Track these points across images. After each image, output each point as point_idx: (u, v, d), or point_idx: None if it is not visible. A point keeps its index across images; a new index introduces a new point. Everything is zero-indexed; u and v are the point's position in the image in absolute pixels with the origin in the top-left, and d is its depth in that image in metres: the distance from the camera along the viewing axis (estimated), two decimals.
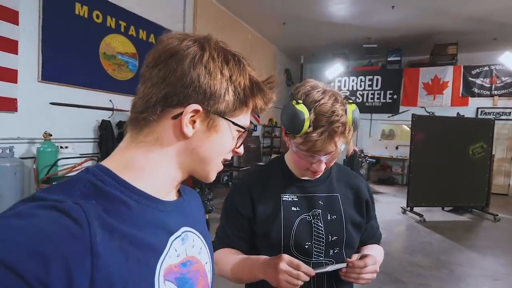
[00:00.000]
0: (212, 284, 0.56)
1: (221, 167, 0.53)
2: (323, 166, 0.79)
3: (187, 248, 0.50)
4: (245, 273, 0.81)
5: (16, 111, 2.90)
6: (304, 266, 0.71)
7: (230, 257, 0.85)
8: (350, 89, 8.73)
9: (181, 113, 0.45)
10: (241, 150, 0.55)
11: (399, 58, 8.08)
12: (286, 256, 0.72)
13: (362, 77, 8.57)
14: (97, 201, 0.40)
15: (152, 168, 0.46)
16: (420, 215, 4.95)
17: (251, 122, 0.56)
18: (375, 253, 0.87)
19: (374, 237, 0.98)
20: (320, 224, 0.84)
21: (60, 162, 3.04)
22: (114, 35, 3.89)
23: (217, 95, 0.46)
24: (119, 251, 0.38)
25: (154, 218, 0.45)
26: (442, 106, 7.68)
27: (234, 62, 0.48)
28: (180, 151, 0.48)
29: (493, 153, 5.52)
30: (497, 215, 5.13)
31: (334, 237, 0.83)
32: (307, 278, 0.71)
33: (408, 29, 6.70)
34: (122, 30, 4.00)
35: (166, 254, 0.44)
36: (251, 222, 0.86)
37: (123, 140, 0.48)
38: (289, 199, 0.86)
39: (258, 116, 7.77)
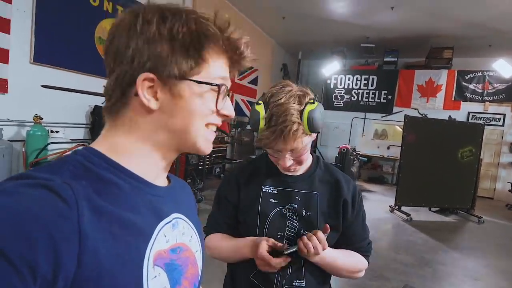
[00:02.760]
0: (201, 272, 0.56)
1: (211, 135, 0.50)
2: (288, 162, 0.83)
3: (177, 234, 0.49)
4: (235, 253, 0.89)
5: (7, 92, 2.84)
6: (274, 262, 0.79)
7: (220, 240, 0.93)
8: (346, 87, 8.77)
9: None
10: (227, 111, 0.50)
11: (396, 59, 8.14)
12: (264, 244, 0.80)
13: (358, 76, 8.61)
14: (87, 182, 0.39)
15: (136, 151, 0.46)
16: (407, 214, 5.05)
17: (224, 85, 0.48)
18: (343, 253, 0.90)
19: (353, 246, 0.93)
20: (294, 218, 0.87)
21: (50, 147, 3.00)
22: (111, 19, 3.82)
23: (163, 58, 0.43)
24: (108, 233, 0.37)
25: (145, 202, 0.45)
26: (435, 108, 7.79)
27: (172, 17, 0.44)
28: (156, 128, 0.46)
29: (481, 157, 5.64)
30: (482, 217, 5.27)
31: (306, 232, 0.85)
32: (276, 269, 0.80)
33: (405, 31, 6.74)
34: (119, 14, 3.92)
35: (155, 239, 0.44)
36: (236, 209, 0.93)
37: (104, 128, 0.48)
38: (269, 191, 0.90)
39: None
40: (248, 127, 7.40)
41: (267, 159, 0.94)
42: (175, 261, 0.47)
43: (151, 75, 0.43)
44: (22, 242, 0.30)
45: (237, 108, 7.04)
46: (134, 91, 0.43)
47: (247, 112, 7.50)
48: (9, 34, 2.79)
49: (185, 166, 4.74)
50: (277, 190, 0.90)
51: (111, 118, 0.46)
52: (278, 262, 0.79)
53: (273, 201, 0.89)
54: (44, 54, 3.10)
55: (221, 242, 0.93)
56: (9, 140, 2.84)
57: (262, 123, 0.79)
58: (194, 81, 0.45)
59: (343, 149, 6.28)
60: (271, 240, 0.82)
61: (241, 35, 0.48)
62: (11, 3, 2.77)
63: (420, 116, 7.45)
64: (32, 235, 0.31)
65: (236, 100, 6.93)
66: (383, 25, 6.49)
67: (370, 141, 8.74)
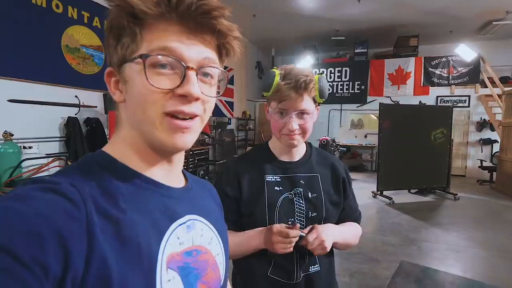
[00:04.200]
0: (225, 277, 0.53)
1: (172, 124, 0.41)
2: (295, 125, 0.85)
3: (193, 236, 0.47)
4: (243, 246, 0.88)
5: None
6: (292, 232, 0.79)
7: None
8: None
9: None
10: (186, 89, 0.40)
11: (366, 50, 8.40)
12: (277, 225, 0.82)
13: (332, 69, 8.81)
14: (95, 184, 0.39)
15: (132, 150, 0.45)
16: (389, 198, 5.25)
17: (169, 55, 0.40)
18: (346, 228, 0.97)
19: (351, 217, 1.02)
20: (301, 202, 0.90)
21: (24, 163, 2.85)
22: (77, 26, 3.67)
23: (110, 48, 0.43)
24: (116, 235, 0.37)
25: (156, 203, 0.44)
26: (406, 95, 8.12)
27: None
28: (129, 123, 0.45)
29: (452, 138, 5.95)
30: (457, 194, 5.57)
31: (314, 213, 0.90)
32: (297, 235, 0.80)
33: (373, 22, 6.97)
34: (85, 21, 3.78)
35: (167, 241, 0.42)
36: (238, 203, 0.92)
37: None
38: (272, 179, 0.91)
39: (232, 110, 7.74)
40: (229, 126, 7.40)
41: (266, 150, 0.98)
42: (189, 264, 0.45)
43: (110, 69, 0.44)
44: (32, 243, 0.30)
45: (216, 109, 6.99)
46: None
47: (226, 113, 7.47)
48: None
49: None
50: (280, 178, 0.92)
51: (117, 120, 0.47)
52: (295, 232, 0.79)
53: (278, 188, 0.91)
54: (7, 67, 2.93)
55: (229, 237, 0.92)
56: None
57: (277, 78, 0.86)
58: (128, 60, 0.41)
59: (324, 141, 6.42)
60: (283, 224, 0.83)
61: None
62: None
63: (393, 103, 7.77)
64: (41, 235, 0.31)
65: None
66: (351, 17, 6.68)
67: (347, 131, 8.99)
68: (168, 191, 0.47)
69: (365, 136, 8.79)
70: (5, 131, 2.79)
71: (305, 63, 7.83)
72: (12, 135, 2.83)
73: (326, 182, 0.95)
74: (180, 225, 0.46)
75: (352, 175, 7.73)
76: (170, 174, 0.49)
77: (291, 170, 0.94)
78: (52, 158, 3.13)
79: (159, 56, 0.40)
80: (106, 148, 0.45)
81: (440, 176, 5.76)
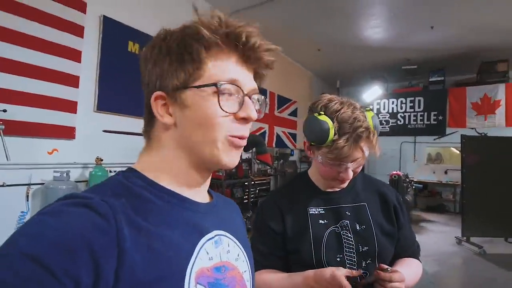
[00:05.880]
0: None
1: (233, 144, 0.45)
2: (350, 174, 0.79)
3: (221, 252, 0.48)
4: None
5: (74, 138, 3.21)
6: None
7: (271, 278, 0.81)
8: (390, 111, 8.41)
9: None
10: (247, 113, 0.45)
11: (443, 78, 7.70)
12: (341, 270, 0.72)
13: (403, 99, 8.25)
14: (127, 200, 0.41)
15: (167, 168, 0.47)
16: (480, 247, 4.42)
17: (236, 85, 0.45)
18: (409, 269, 0.83)
19: (409, 251, 0.90)
20: (349, 235, 0.82)
21: None
22: None
23: (165, 73, 0.45)
24: (146, 248, 0.38)
25: (185, 218, 0.45)
26: (496, 126, 7.06)
27: (171, 34, 0.45)
28: (178, 144, 0.46)
29: None
30: None
31: (365, 248, 0.81)
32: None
33: (450, 49, 6.43)
34: None
35: (197, 256, 0.43)
36: (283, 237, 0.85)
37: (142, 149, 0.51)
38: (316, 212, 0.85)
39: (295, 141, 7.75)
40: (292, 158, 7.37)
41: (306, 180, 0.92)
42: (220, 280, 0.45)
43: (160, 93, 0.46)
44: (65, 256, 0.32)
45: (279, 141, 7.09)
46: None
47: (289, 144, 7.49)
48: (78, 88, 3.20)
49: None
50: (324, 210, 0.85)
51: (146, 140, 0.50)
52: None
53: (322, 222, 0.84)
54: (105, 103, 3.49)
55: (273, 280, 0.81)
56: (75, 181, 3.14)
57: (332, 133, 0.76)
58: (193, 87, 0.44)
59: (395, 176, 5.86)
60: (344, 269, 0.73)
61: (241, 25, 0.44)
62: (80, 62, 3.22)
63: (479, 135, 6.81)
64: (73, 249, 0.32)
65: (277, 133, 7.00)
66: (424, 45, 6.28)
67: (423, 166, 8.09)
68: (196, 206, 0.48)
69: (445, 172, 7.78)
70: (97, 156, 3.25)
71: (373, 93, 7.52)
72: (102, 160, 3.28)
73: (375, 211, 0.86)
74: (208, 240, 0.46)
75: (431, 216, 6.88)
76: (199, 191, 0.50)
77: (335, 201, 0.86)
78: None
79: (229, 85, 0.44)
80: (136, 166, 0.48)
81: None
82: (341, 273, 0.70)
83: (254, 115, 0.46)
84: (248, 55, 0.46)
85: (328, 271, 0.72)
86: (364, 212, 0.85)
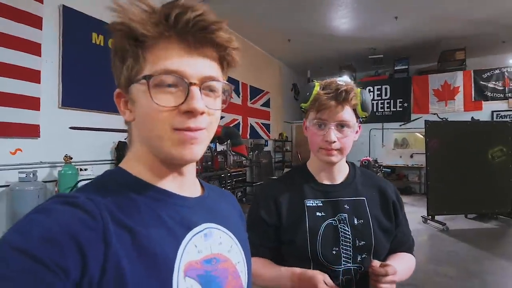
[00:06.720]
0: (248, 285, 0.53)
1: (184, 138, 0.42)
2: (333, 136, 0.80)
3: (212, 245, 0.48)
4: (278, 283, 0.80)
5: (39, 137, 3.02)
6: None
7: (262, 267, 0.83)
8: None
9: None
10: (189, 105, 0.41)
11: (407, 67, 8.09)
12: (321, 276, 0.72)
13: (370, 87, 8.56)
14: (112, 197, 0.41)
15: (145, 164, 0.47)
16: (443, 224, 4.78)
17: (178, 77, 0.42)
18: (402, 263, 0.86)
19: (405, 245, 0.92)
20: (346, 229, 0.82)
21: (80, 184, 3.12)
22: None
23: (117, 70, 0.45)
24: (132, 245, 0.39)
25: (171, 213, 0.45)
26: (455, 111, 7.57)
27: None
28: (141, 139, 0.47)
29: None
30: None
31: (362, 242, 0.81)
32: None
33: (413, 38, 6.74)
34: None
35: (184, 250, 0.43)
36: (277, 230, 0.85)
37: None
38: (313, 204, 0.84)
39: (268, 132, 7.82)
40: (266, 148, 7.44)
41: (304, 171, 0.91)
42: (210, 272, 0.45)
43: (118, 90, 0.47)
44: (53, 249, 0.33)
45: (253, 132, 7.11)
46: None
47: (263, 135, 7.56)
48: (39, 83, 3.01)
49: None
50: (322, 202, 0.85)
51: (128, 139, 0.50)
52: None
53: (320, 214, 0.83)
54: (70, 99, 3.31)
55: (263, 269, 0.83)
56: (43, 181, 2.98)
57: (317, 88, 0.84)
58: (134, 82, 0.43)
59: (365, 162, 6.13)
60: (328, 279, 0.73)
61: (170, 6, 0.41)
62: (40, 56, 3.01)
63: (441, 120, 7.26)
64: (61, 242, 0.33)
65: (251, 124, 7.02)
66: (389, 35, 6.54)
67: (391, 151, 8.52)
68: (182, 201, 0.48)
69: (411, 156, 8.25)
70: (66, 154, 3.10)
71: None
72: (71, 158, 3.13)
73: (374, 206, 0.86)
74: (197, 233, 0.46)
75: None
76: (183, 185, 0.50)
77: (334, 194, 0.86)
78: None
79: (162, 76, 0.41)
80: (122, 164, 0.48)
81: (502, 200, 5.14)
82: (327, 280, 0.72)
83: (199, 106, 0.41)
84: (186, 38, 0.41)
85: (312, 273, 0.73)
86: (362, 207, 0.85)
